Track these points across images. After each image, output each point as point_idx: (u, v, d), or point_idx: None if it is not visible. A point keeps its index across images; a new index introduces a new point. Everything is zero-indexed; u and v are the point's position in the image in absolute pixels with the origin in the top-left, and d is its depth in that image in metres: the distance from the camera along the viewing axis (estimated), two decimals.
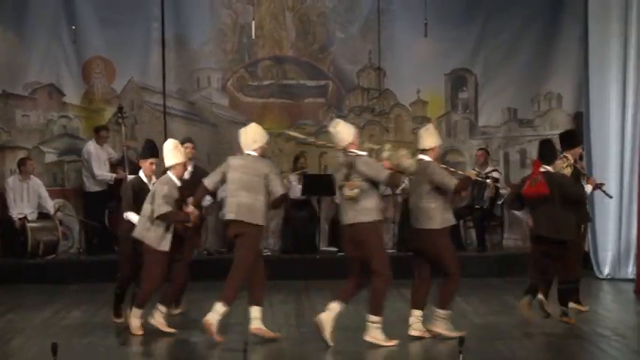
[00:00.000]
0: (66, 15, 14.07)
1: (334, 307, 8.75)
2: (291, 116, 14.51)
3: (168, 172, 9.22)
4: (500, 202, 13.51)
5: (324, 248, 13.81)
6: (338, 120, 9.04)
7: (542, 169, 9.20)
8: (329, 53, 14.52)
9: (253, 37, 14.18)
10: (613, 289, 11.93)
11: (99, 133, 13.78)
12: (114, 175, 13.54)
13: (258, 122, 14.00)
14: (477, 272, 12.50)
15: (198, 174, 10.24)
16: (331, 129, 8.84)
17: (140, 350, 8.95)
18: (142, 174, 9.64)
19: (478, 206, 13.33)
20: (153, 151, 9.66)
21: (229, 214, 9.16)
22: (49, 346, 6.92)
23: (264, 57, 14.55)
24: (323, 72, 14.54)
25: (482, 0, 14.16)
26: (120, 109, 13.75)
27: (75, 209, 13.94)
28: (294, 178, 13.89)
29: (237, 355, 7.66)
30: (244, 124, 14.01)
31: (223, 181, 9.13)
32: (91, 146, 13.72)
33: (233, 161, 9.16)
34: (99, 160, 13.65)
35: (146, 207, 9.15)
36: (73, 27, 13.97)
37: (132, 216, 9.46)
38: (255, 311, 9.22)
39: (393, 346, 8.61)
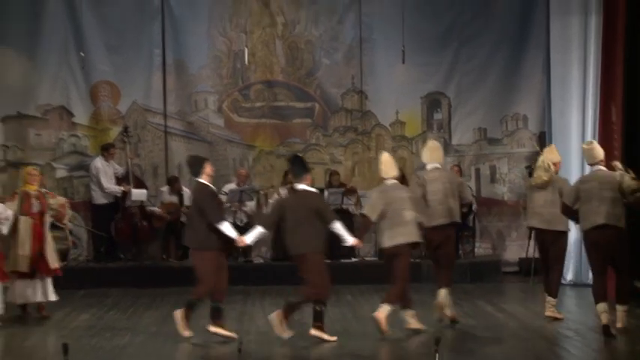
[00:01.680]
0: (75, 42, 14.07)
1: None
2: (281, 135, 14.50)
3: None
4: (471, 215, 13.56)
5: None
6: (592, 140, 9.63)
7: None
8: (315, 78, 14.52)
9: (246, 63, 14.27)
10: (575, 294, 11.97)
11: (107, 151, 13.76)
12: (122, 188, 13.52)
13: (251, 141, 14.43)
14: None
15: None
16: (585, 146, 9.39)
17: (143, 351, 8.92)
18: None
19: None
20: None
21: (442, 218, 9.53)
22: (60, 346, 6.95)
23: (257, 81, 14.53)
24: (310, 95, 14.52)
25: (455, 30, 14.19)
26: (125, 128, 13.93)
27: (84, 220, 13.90)
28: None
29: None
30: (238, 142, 14.40)
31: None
32: (99, 162, 13.69)
33: (429, 175, 9.69)
34: (106, 175, 13.62)
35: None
36: (82, 53, 13.99)
37: (226, 226, 9.07)
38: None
39: None
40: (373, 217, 9.26)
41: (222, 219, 9.12)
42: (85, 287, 12.43)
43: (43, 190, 10.53)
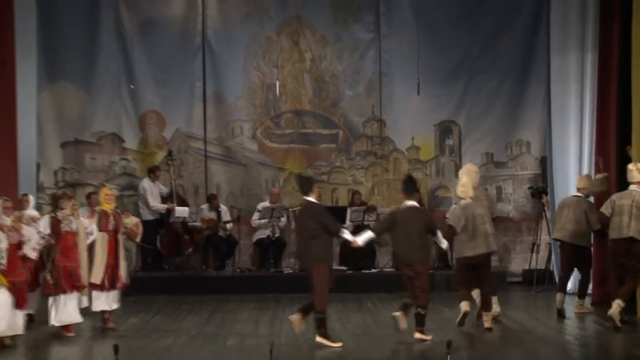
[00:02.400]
0: (126, 76, 14.12)
1: None
2: (308, 159, 14.46)
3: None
4: None
5: (336, 267, 13.59)
6: (635, 163, 9.76)
7: None
8: (339, 108, 14.47)
9: (278, 94, 14.25)
10: (574, 302, 11.84)
11: (153, 173, 13.79)
12: (166, 206, 13.54)
13: (282, 164, 14.44)
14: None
15: None
16: (631, 167, 9.71)
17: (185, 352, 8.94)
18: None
19: None
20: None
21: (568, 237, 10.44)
22: (111, 347, 7.03)
23: (287, 110, 14.50)
24: (335, 123, 14.47)
25: (464, 65, 14.14)
26: (169, 153, 13.96)
27: None
28: None
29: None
30: (270, 165, 14.44)
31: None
32: (146, 183, 13.72)
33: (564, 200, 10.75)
34: (153, 194, 13.65)
35: None
36: (132, 86, 14.05)
37: (346, 233, 9.14)
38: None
39: None
40: (458, 228, 9.61)
41: (342, 228, 9.16)
42: (134, 294, 12.28)
43: (119, 210, 10.48)
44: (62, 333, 9.54)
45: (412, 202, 9.24)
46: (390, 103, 14.33)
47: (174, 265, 13.68)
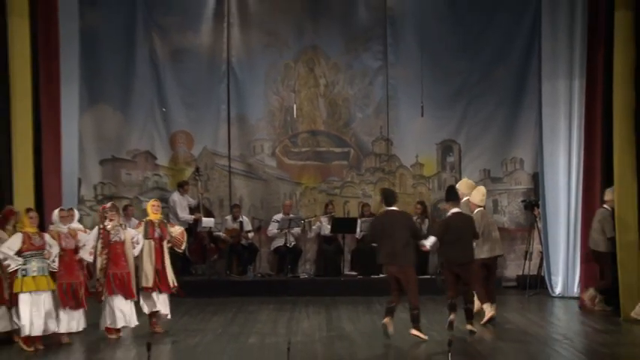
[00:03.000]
0: (158, 100, 14.14)
1: None
2: (322, 174, 14.44)
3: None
4: None
5: (347, 272, 13.69)
6: None
7: None
8: (351, 128, 14.46)
9: (295, 116, 14.23)
10: (563, 305, 11.86)
11: (182, 187, 13.81)
12: (193, 217, 13.56)
13: (298, 179, 14.47)
14: None
15: None
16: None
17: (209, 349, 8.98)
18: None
19: None
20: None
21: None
22: (144, 345, 7.04)
23: (303, 131, 14.50)
24: (346, 142, 14.46)
25: (464, 90, 14.11)
26: (197, 169, 13.99)
27: None
28: (325, 220, 13.87)
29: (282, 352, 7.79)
30: (288, 180, 14.47)
31: None
32: (176, 196, 13.74)
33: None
34: (182, 206, 13.68)
35: None
36: (164, 109, 14.09)
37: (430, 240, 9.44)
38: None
39: None
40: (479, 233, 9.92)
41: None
42: None
43: (165, 220, 10.39)
44: (113, 335, 9.45)
45: (457, 209, 9.54)
46: (397, 124, 14.32)
47: (201, 270, 13.69)
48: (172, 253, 13.00)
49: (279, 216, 13.82)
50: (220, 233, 13.76)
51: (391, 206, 9.24)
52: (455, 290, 9.40)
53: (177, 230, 10.24)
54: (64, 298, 9.03)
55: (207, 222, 13.49)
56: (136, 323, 9.57)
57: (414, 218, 13.60)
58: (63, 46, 11.94)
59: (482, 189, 10.56)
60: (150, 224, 9.92)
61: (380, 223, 9.27)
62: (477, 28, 13.97)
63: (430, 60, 13.93)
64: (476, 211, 10.29)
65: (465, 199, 10.37)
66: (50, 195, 11.16)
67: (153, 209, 10.08)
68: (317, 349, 8.81)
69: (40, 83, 11.22)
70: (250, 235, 13.81)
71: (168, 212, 13.85)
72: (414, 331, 9.05)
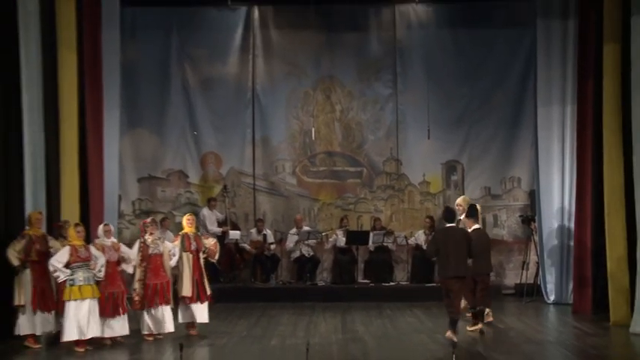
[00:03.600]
0: (190, 124, 14.18)
1: None
2: (338, 191, 14.42)
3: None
4: None
5: (361, 280, 13.67)
6: None
7: None
8: (364, 149, 14.45)
9: (313, 139, 14.24)
10: (557, 311, 11.80)
11: (211, 202, 13.85)
12: (221, 230, 13.56)
13: (316, 195, 14.49)
14: None
15: None
16: None
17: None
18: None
19: None
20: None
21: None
22: (178, 346, 7.09)
23: (320, 152, 14.50)
24: (360, 162, 14.46)
25: (466, 115, 14.11)
26: (225, 186, 13.99)
27: None
28: (340, 233, 13.86)
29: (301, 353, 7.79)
30: (307, 197, 14.48)
31: None
32: (206, 211, 13.74)
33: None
34: (211, 220, 13.66)
35: None
36: (195, 132, 14.13)
37: None
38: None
39: None
40: None
41: None
42: None
43: (199, 232, 10.36)
44: (152, 338, 9.43)
45: (478, 225, 9.75)
46: (405, 146, 14.31)
47: (228, 278, 13.69)
48: (205, 263, 13.11)
49: (294, 230, 13.85)
50: (246, 245, 13.78)
51: (451, 223, 9.28)
52: (472, 297, 9.65)
53: (210, 242, 10.18)
54: (107, 307, 9.09)
55: (234, 234, 13.53)
56: (172, 330, 9.52)
57: (423, 231, 13.72)
58: (105, 77, 12.11)
59: (466, 198, 10.76)
60: (186, 237, 9.86)
61: (441, 238, 9.19)
62: (478, 59, 14.01)
63: (436, 88, 13.96)
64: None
65: (464, 215, 10.43)
66: (94, 210, 11.29)
67: (188, 223, 10.01)
68: (333, 350, 8.84)
69: (85, 110, 11.37)
70: (273, 246, 13.81)
71: (199, 225, 13.93)
72: (450, 334, 9.02)
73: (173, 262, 9.68)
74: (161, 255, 9.55)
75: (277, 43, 14.31)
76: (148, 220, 9.84)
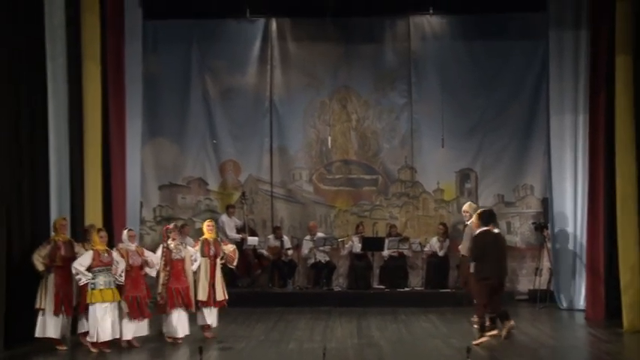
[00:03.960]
0: (210, 133, 14.22)
1: None
2: (354, 199, 14.42)
3: None
4: None
5: (376, 286, 13.66)
6: None
7: None
8: (379, 158, 14.46)
9: (329, 147, 14.26)
10: (570, 317, 11.75)
11: (229, 209, 13.89)
12: (240, 236, 13.59)
13: (332, 202, 14.49)
14: None
15: None
16: None
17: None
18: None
19: None
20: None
21: None
22: (197, 348, 7.16)
23: (337, 160, 14.50)
24: (375, 170, 14.46)
25: (480, 124, 14.07)
26: (243, 193, 14.01)
27: None
28: (356, 239, 13.86)
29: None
30: (323, 204, 14.49)
31: None
32: (225, 218, 13.78)
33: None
34: (229, 227, 13.71)
35: None
36: (214, 141, 14.16)
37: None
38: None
39: None
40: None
41: None
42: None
43: (219, 238, 10.35)
44: (173, 342, 9.46)
45: (497, 230, 9.71)
46: (420, 155, 14.30)
47: (246, 283, 13.72)
48: (222, 267, 13.14)
49: (308, 237, 13.85)
50: (263, 251, 13.81)
51: (487, 226, 9.35)
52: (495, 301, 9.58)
53: (229, 248, 10.20)
54: (135, 311, 9.13)
55: (252, 241, 13.55)
56: (187, 333, 9.56)
57: (437, 238, 13.69)
58: (128, 87, 12.24)
59: (472, 204, 10.90)
60: (206, 243, 9.91)
61: (483, 241, 9.30)
62: (492, 70, 13.98)
63: (450, 97, 13.95)
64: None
65: (470, 220, 10.47)
66: (117, 216, 11.37)
67: (208, 229, 10.02)
68: (349, 354, 8.83)
69: (109, 120, 11.48)
70: (290, 252, 13.83)
71: (218, 232, 13.95)
72: (490, 334, 9.17)
73: (195, 267, 9.71)
74: (183, 260, 9.58)
75: (295, 54, 14.35)
76: (171, 225, 9.88)
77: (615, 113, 10.51)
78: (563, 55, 12.38)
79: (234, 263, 10.35)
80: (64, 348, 9.16)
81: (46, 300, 9.10)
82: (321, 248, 13.69)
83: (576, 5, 12.25)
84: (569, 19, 12.35)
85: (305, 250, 13.82)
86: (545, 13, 12.71)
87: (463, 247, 11.06)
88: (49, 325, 9.12)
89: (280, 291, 13.51)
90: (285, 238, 13.98)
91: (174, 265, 9.49)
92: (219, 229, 13.71)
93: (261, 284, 13.78)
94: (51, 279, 9.15)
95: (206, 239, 9.97)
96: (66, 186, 10.37)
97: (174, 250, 9.55)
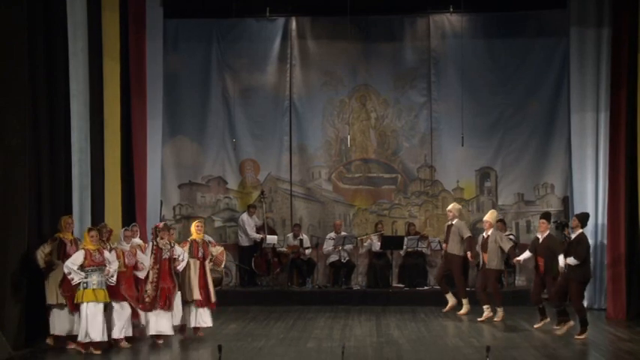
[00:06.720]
0: (229, 132, 14.20)
1: None
2: (373, 197, 14.40)
3: None
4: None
5: (395, 284, 13.62)
6: None
7: None
8: (398, 156, 14.41)
9: (349, 146, 14.18)
10: (591, 316, 11.56)
11: (250, 209, 13.89)
12: (260, 235, 13.64)
13: (351, 201, 14.47)
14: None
15: None
16: None
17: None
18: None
19: None
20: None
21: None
22: (216, 347, 7.13)
23: (356, 159, 14.48)
24: (394, 168, 14.42)
25: (500, 122, 13.99)
26: (262, 192, 14.04)
27: (233, 257, 13.85)
28: (375, 238, 13.84)
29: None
30: (342, 202, 14.48)
31: None
32: (245, 216, 13.82)
33: None
34: (250, 225, 13.74)
35: None
36: (234, 140, 14.12)
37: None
38: None
39: None
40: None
41: None
42: (233, 305, 12.46)
43: (208, 239, 10.25)
44: (156, 342, 9.38)
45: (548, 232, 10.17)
46: (439, 153, 14.24)
47: (265, 281, 13.74)
48: (242, 267, 13.19)
49: (332, 234, 13.85)
50: (283, 249, 13.83)
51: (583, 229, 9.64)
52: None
53: (217, 250, 10.08)
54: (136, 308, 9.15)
55: (271, 239, 13.57)
56: (171, 333, 9.44)
57: None
58: (149, 86, 12.31)
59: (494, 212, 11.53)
60: (194, 244, 9.79)
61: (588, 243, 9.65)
62: (512, 68, 13.91)
63: (470, 96, 13.85)
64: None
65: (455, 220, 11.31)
66: (138, 215, 11.43)
67: (197, 229, 9.90)
68: (368, 352, 8.82)
69: (130, 118, 11.55)
70: (309, 251, 13.84)
71: (238, 230, 14.03)
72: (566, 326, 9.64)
73: (180, 267, 9.57)
74: (170, 260, 9.48)
75: (314, 53, 14.36)
76: (160, 224, 9.77)
77: (637, 111, 10.44)
78: (584, 53, 12.30)
79: (222, 266, 10.22)
80: (73, 347, 9.08)
81: (52, 296, 9.05)
82: (342, 247, 13.66)
83: (597, 2, 12.17)
84: (590, 17, 12.27)
85: (328, 247, 13.78)
86: (566, 11, 12.64)
87: (453, 247, 11.54)
88: (66, 322, 9.08)
89: (299, 290, 13.51)
90: (305, 236, 13.99)
91: (162, 264, 9.39)
92: (239, 227, 13.83)
93: (280, 283, 13.78)
94: (56, 275, 9.04)
95: (195, 240, 9.86)
96: (87, 185, 10.43)
97: (164, 249, 9.45)
